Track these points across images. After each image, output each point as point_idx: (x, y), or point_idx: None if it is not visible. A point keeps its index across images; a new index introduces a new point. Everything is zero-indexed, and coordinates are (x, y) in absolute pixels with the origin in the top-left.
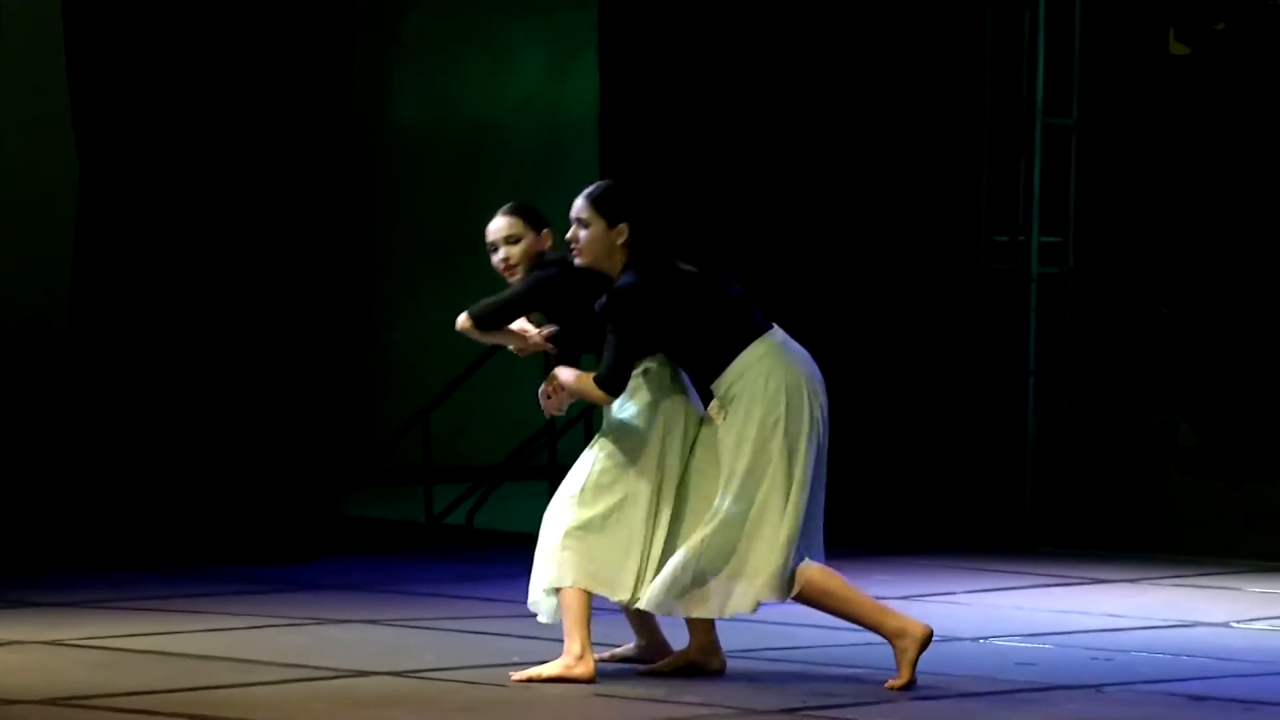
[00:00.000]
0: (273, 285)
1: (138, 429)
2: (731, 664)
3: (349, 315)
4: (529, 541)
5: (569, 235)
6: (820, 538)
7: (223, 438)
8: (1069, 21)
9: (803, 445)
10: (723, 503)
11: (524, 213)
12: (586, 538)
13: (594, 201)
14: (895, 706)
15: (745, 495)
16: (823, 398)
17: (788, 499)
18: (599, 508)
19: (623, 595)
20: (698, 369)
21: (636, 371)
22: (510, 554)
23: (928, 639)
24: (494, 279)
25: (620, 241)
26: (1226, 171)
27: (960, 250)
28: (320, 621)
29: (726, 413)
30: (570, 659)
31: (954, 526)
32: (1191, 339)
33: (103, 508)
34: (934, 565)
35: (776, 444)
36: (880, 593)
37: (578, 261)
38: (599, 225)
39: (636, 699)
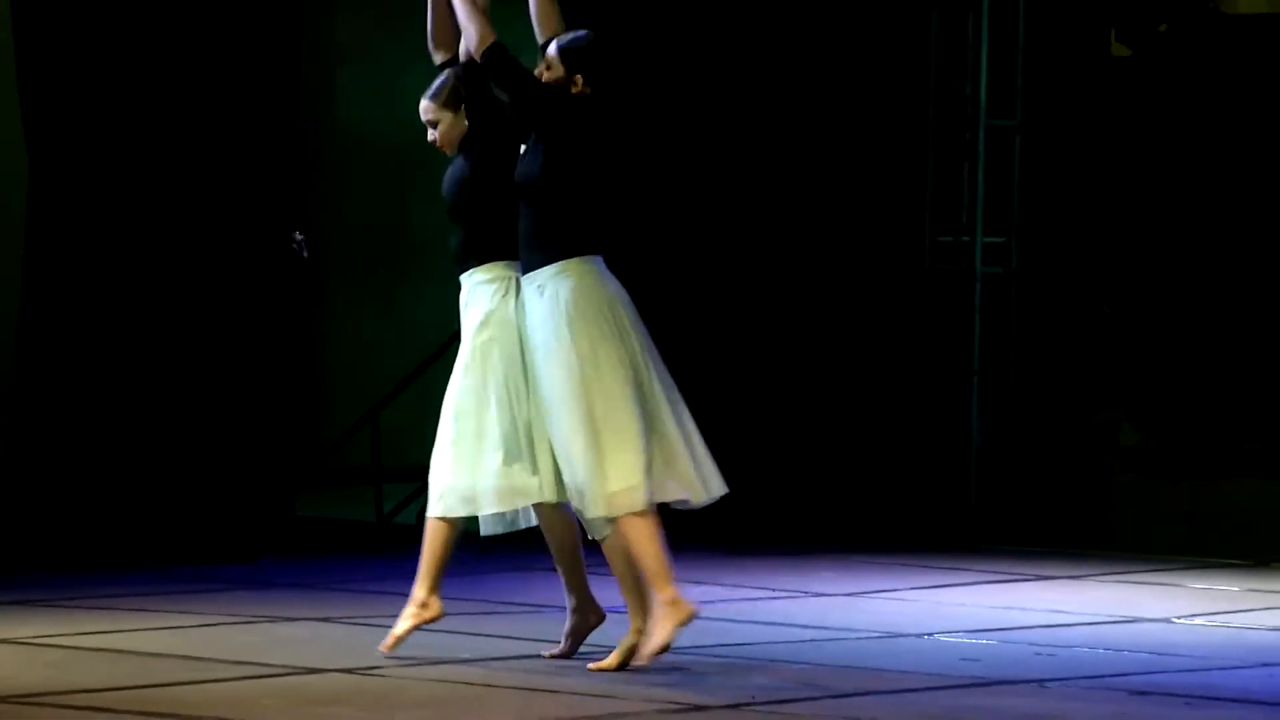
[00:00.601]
0: (221, 286)
1: (88, 429)
2: (680, 660)
3: (296, 316)
4: (477, 540)
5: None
6: None
7: (173, 437)
8: (1012, 24)
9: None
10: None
11: (438, 96)
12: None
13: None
14: (841, 703)
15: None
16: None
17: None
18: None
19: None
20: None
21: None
22: (459, 552)
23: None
24: (444, 278)
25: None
26: (1168, 172)
27: (905, 251)
28: (272, 619)
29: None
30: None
31: (899, 524)
32: (1134, 339)
33: (52, 507)
34: (879, 562)
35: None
36: (826, 589)
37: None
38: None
39: (586, 695)
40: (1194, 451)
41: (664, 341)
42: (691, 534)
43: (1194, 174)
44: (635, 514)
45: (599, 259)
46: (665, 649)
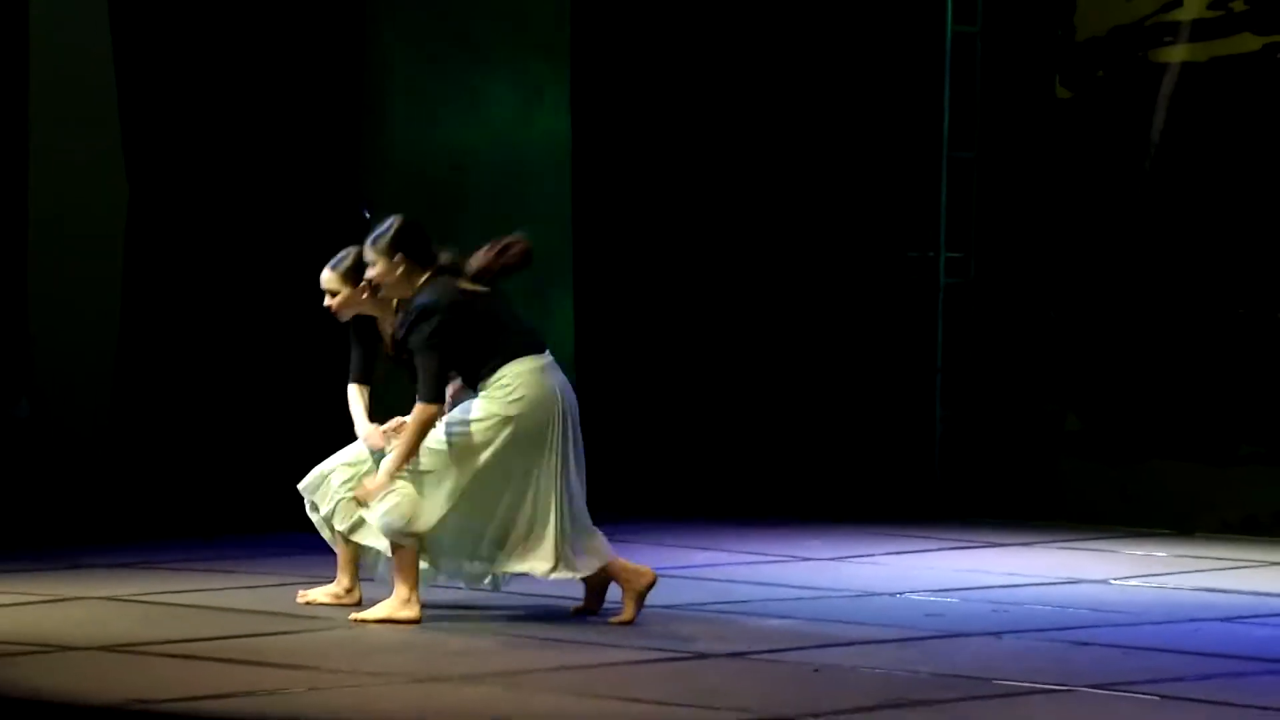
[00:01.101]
0: (291, 291)
1: (184, 416)
2: (683, 615)
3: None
4: None
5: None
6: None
7: (257, 421)
8: (971, 69)
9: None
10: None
11: (338, 268)
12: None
13: (373, 243)
14: (824, 652)
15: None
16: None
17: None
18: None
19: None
20: (470, 373)
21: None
22: None
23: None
24: None
25: (399, 272)
26: (1103, 197)
27: (879, 264)
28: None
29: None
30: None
31: (875, 498)
32: (1077, 340)
33: (153, 482)
34: (857, 531)
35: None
36: (811, 554)
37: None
38: (383, 261)
39: (604, 645)
40: (1128, 436)
41: (673, 338)
42: (697, 507)
43: (1125, 199)
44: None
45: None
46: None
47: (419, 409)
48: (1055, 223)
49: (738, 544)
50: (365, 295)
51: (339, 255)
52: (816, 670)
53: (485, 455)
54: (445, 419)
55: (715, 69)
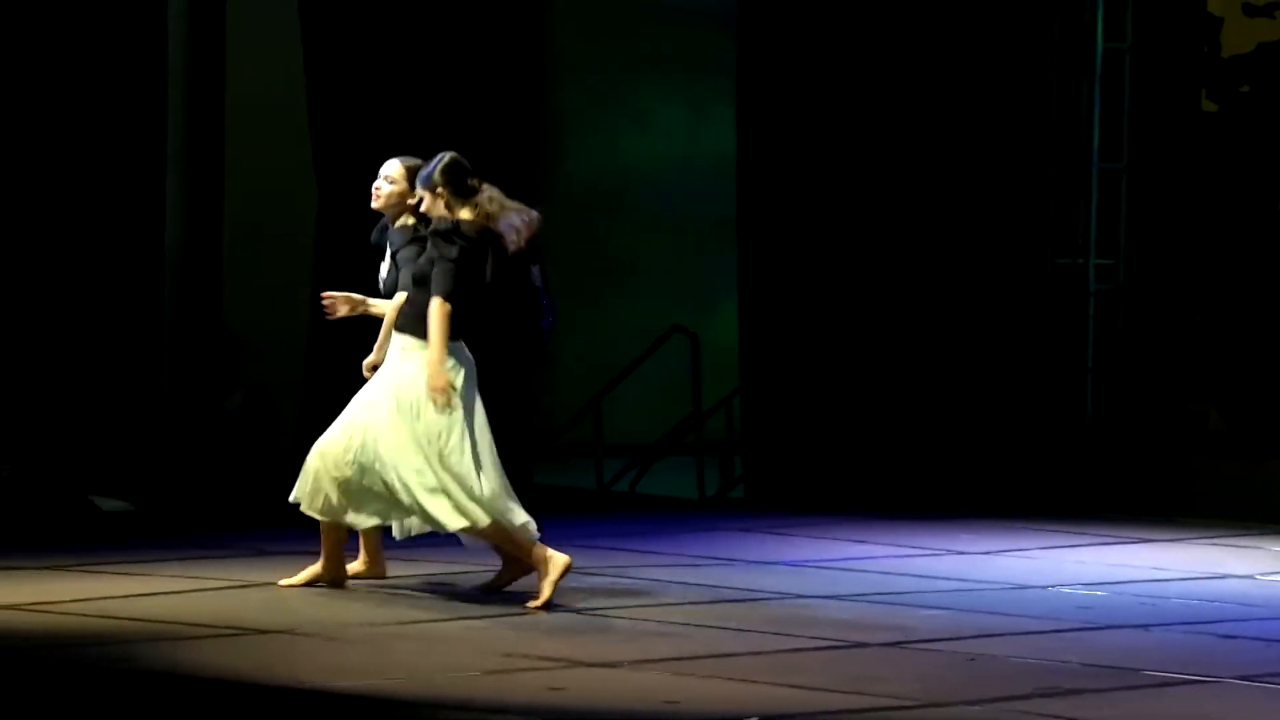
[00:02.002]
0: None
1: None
2: (842, 605)
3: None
4: (680, 506)
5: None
6: None
7: None
8: (1120, 84)
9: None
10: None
11: (411, 168)
12: None
13: (423, 180)
14: (979, 642)
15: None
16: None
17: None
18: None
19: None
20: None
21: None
22: (662, 516)
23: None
24: (634, 294)
25: (441, 204)
26: (1246, 206)
27: (1031, 270)
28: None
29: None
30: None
31: (1027, 494)
32: (1220, 343)
33: None
34: (1009, 526)
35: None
36: (964, 548)
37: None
38: (428, 195)
39: (766, 633)
40: (1269, 435)
41: (832, 339)
42: (855, 501)
43: (1267, 209)
44: None
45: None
46: None
47: (439, 304)
48: (1200, 230)
49: (894, 537)
50: (409, 201)
51: (419, 160)
52: (972, 659)
53: (463, 421)
54: (416, 395)
55: (873, 83)
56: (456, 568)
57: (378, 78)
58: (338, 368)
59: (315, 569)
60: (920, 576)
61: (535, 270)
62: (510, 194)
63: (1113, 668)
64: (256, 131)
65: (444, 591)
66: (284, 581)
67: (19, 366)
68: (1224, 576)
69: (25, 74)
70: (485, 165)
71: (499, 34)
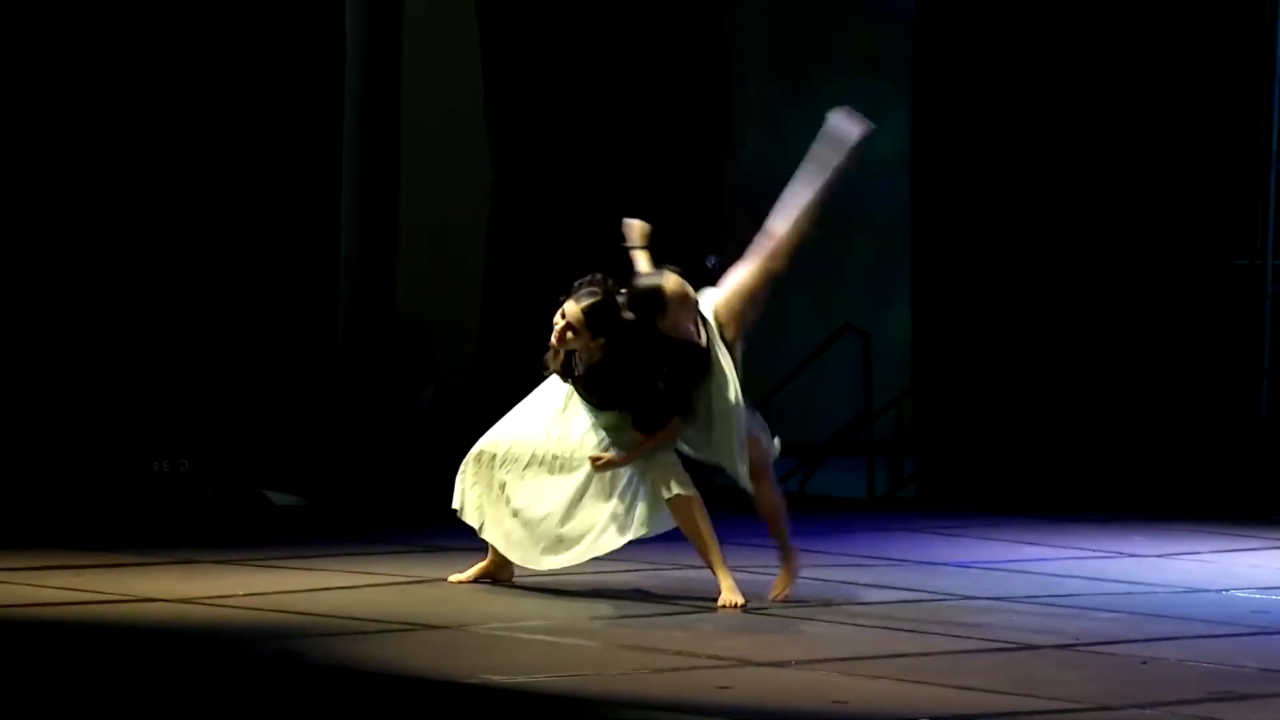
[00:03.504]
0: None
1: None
2: (1013, 608)
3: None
4: (850, 505)
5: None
6: None
7: None
8: None
9: None
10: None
11: (590, 316)
12: None
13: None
14: (1150, 645)
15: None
16: None
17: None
18: None
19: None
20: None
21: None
22: (831, 516)
23: None
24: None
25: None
26: None
27: (1207, 271)
28: (657, 566)
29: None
30: None
31: (1200, 497)
32: None
33: None
34: (1182, 529)
35: None
36: (1136, 550)
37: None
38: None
39: (937, 634)
40: None
41: (1004, 340)
42: (1026, 502)
43: None
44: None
45: None
46: None
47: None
48: None
49: (1064, 539)
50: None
51: (596, 300)
52: (1145, 663)
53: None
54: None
55: (1049, 83)
56: (623, 566)
57: (554, 73)
58: (508, 361)
59: (485, 564)
60: (1091, 579)
61: (713, 260)
62: (687, 188)
63: None
64: (431, 127)
65: (612, 591)
66: (454, 577)
67: (198, 364)
68: None
69: (207, 76)
70: (664, 160)
71: (679, 29)
